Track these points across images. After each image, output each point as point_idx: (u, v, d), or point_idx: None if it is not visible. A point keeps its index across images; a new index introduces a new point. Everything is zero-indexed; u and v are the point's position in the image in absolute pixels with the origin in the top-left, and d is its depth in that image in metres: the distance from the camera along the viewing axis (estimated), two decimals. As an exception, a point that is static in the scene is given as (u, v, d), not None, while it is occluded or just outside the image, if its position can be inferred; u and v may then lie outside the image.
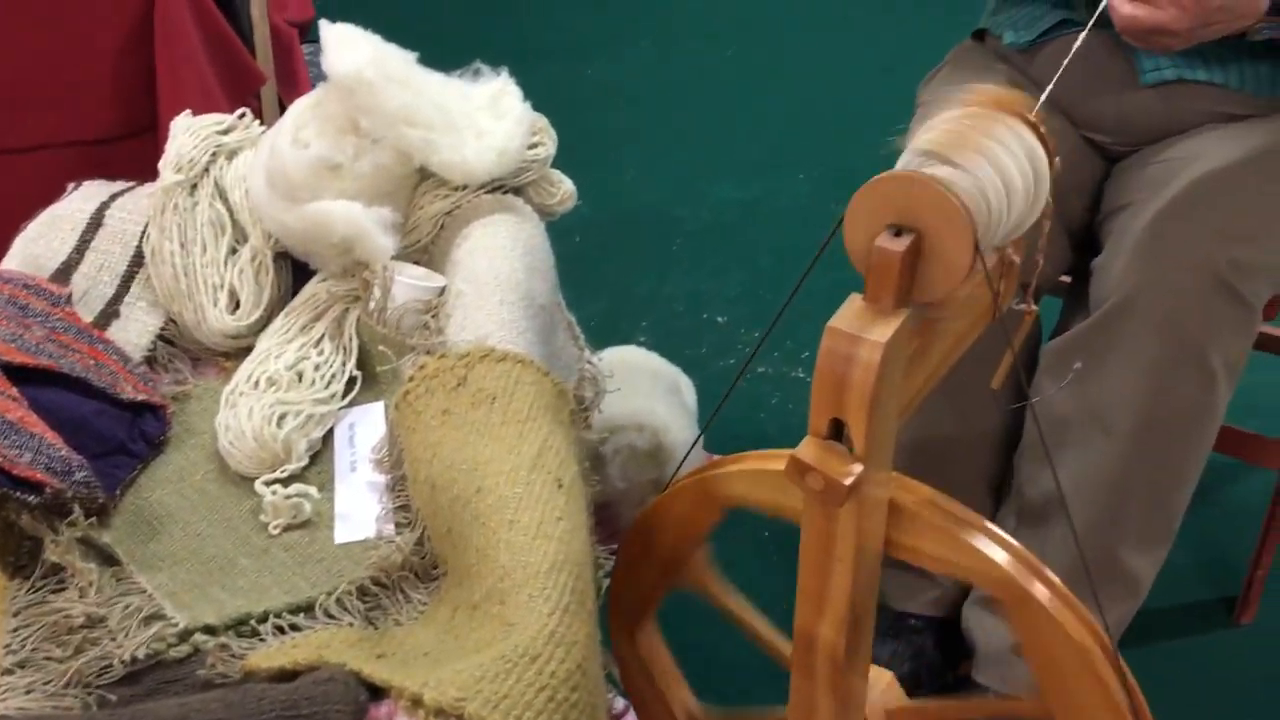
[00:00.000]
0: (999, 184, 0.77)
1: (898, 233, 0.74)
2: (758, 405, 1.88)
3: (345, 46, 1.22)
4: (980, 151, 0.78)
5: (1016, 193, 0.78)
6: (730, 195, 2.51)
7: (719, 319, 2.10)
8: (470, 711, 0.72)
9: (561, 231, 2.32)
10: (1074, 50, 1.04)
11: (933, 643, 1.35)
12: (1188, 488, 1.18)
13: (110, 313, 1.27)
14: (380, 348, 1.17)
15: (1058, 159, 0.87)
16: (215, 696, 0.77)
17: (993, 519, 1.33)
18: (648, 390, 1.56)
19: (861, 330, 0.73)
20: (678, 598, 1.09)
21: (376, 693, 0.77)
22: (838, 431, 0.76)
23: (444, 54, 1.38)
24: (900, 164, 0.80)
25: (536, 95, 1.36)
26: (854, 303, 0.76)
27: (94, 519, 1.03)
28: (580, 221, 2.38)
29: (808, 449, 0.76)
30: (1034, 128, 0.84)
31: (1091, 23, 1.09)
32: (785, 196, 2.46)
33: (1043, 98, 0.92)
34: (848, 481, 0.75)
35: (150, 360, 1.25)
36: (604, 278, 2.22)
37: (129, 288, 1.29)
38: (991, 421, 1.28)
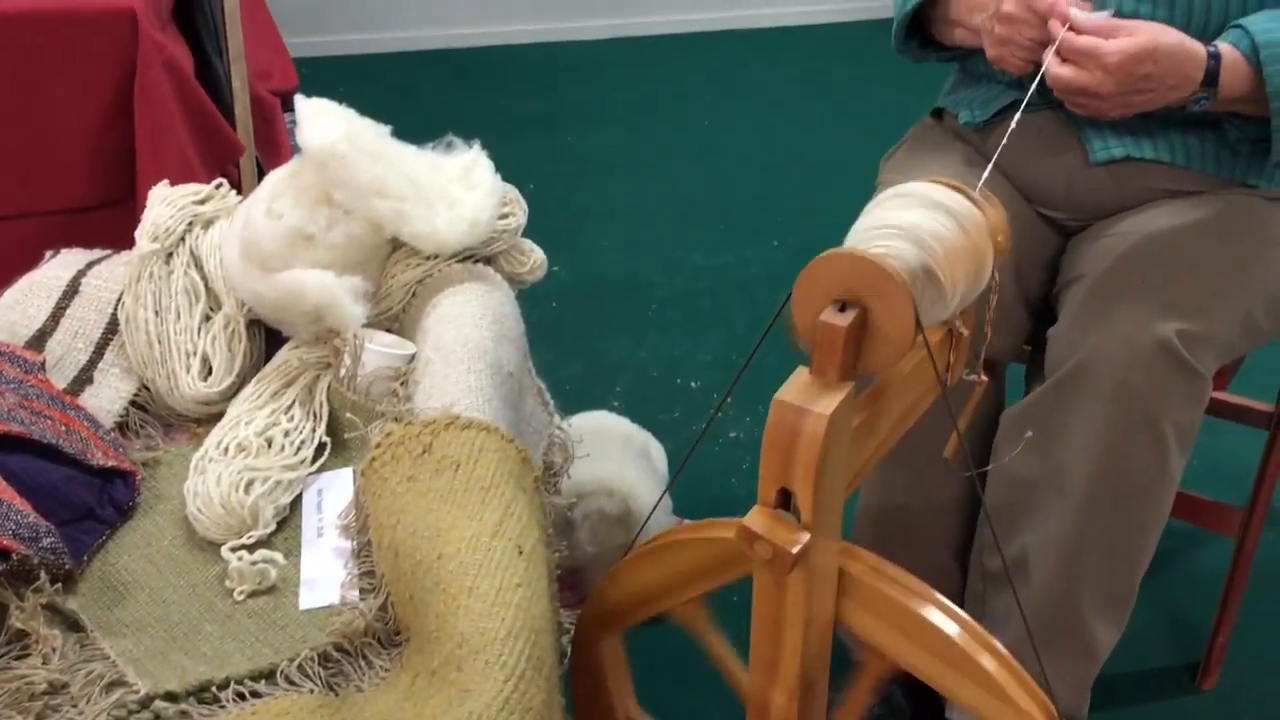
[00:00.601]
0: (942, 261, 0.80)
1: (843, 307, 0.77)
2: (730, 470, 1.90)
3: (320, 120, 1.25)
4: (925, 230, 0.81)
5: (958, 270, 0.81)
6: (704, 263, 2.55)
7: (692, 384, 2.12)
8: (424, 778, 0.73)
9: (538, 298, 2.35)
10: (1015, 120, 1.08)
11: (901, 691, 1.36)
12: (1146, 552, 1.21)
13: (84, 379, 1.29)
14: (348, 415, 1.19)
15: (1003, 237, 0.90)
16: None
17: (959, 584, 1.35)
18: (618, 455, 1.58)
19: (807, 402, 0.76)
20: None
21: (333, 760, 0.78)
22: (786, 500, 0.78)
23: (425, 123, 1.41)
24: (848, 240, 0.83)
25: (516, 164, 1.39)
26: (801, 375, 0.78)
27: (60, 585, 1.03)
28: (557, 287, 2.42)
29: (756, 518, 0.78)
30: (980, 208, 0.87)
31: (1029, 95, 1.13)
32: (758, 264, 2.50)
33: (985, 173, 0.95)
34: (795, 549, 0.76)
35: (122, 426, 1.27)
36: (579, 343, 2.25)
37: (103, 354, 1.31)
38: (954, 489, 1.30)
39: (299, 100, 1.28)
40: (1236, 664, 1.55)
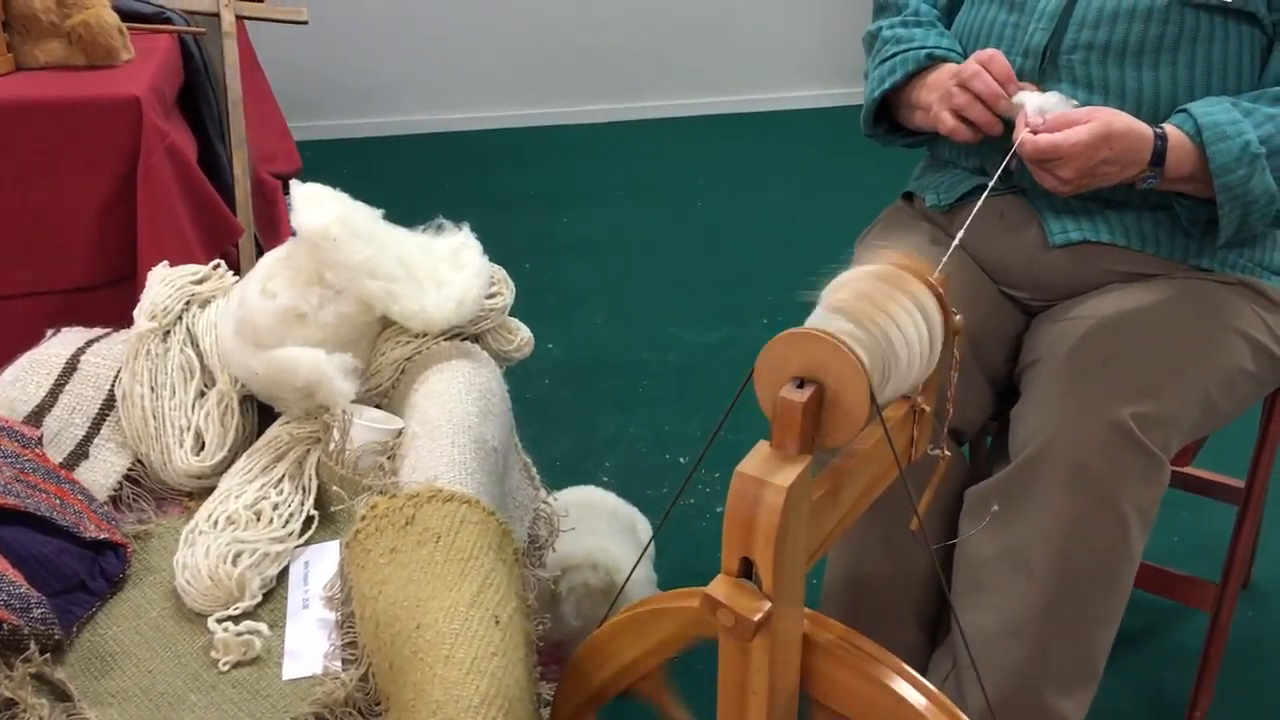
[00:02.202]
0: (897, 340, 0.84)
1: (800, 384, 0.81)
2: (716, 545, 1.91)
3: (313, 204, 1.30)
4: (880, 310, 0.85)
5: (913, 348, 0.85)
6: (696, 340, 2.60)
7: (681, 459, 2.15)
8: (394, 842, 0.75)
9: (531, 374, 2.40)
10: (977, 208, 1.13)
11: None
12: (1109, 629, 1.22)
13: (80, 453, 1.32)
14: (335, 488, 1.22)
15: (959, 317, 0.94)
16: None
17: (926, 656, 1.37)
18: (604, 530, 1.60)
19: (767, 475, 0.79)
20: None
21: (306, 823, 0.80)
22: (748, 570, 0.81)
23: (425, 203, 1.46)
24: (810, 320, 0.87)
25: (512, 243, 1.44)
26: (761, 449, 0.82)
27: (49, 655, 1.06)
28: (550, 364, 2.47)
29: (719, 586, 0.81)
30: (934, 290, 0.91)
31: (994, 180, 1.18)
32: (748, 342, 2.54)
33: (946, 256, 1.00)
34: (756, 617, 0.79)
35: (116, 500, 1.30)
36: (570, 419, 2.28)
37: (99, 429, 1.35)
38: (922, 562, 1.32)
39: (294, 185, 1.33)
40: (1216, 736, 1.56)
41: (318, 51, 3.68)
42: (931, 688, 0.88)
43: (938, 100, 1.32)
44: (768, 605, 0.80)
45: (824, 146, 3.85)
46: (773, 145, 3.86)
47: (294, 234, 1.34)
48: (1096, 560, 1.18)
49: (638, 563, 1.22)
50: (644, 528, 1.73)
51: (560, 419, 2.27)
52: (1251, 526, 1.45)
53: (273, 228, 2.14)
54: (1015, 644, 1.21)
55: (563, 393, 2.37)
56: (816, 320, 0.85)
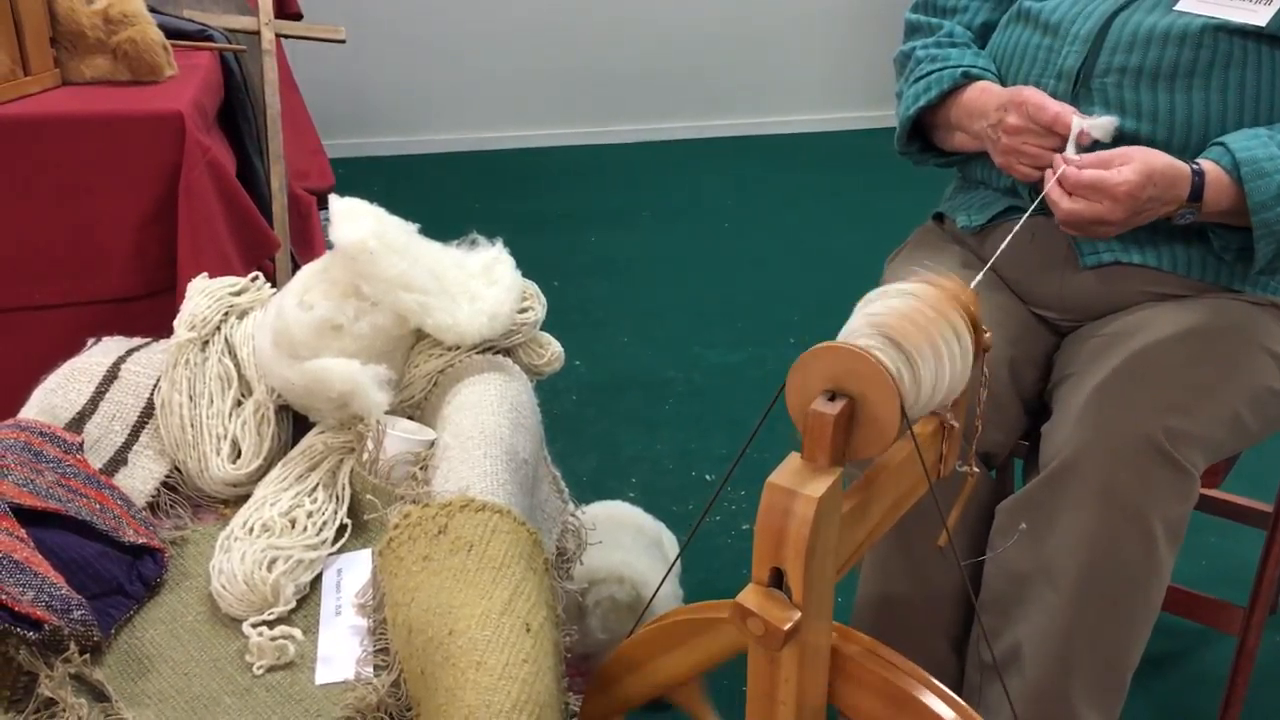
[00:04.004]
0: (927, 355, 0.85)
1: (832, 397, 0.82)
2: (742, 561, 1.93)
3: (351, 218, 1.33)
4: (912, 325, 0.86)
5: (943, 365, 0.86)
6: (721, 360, 2.61)
7: (706, 476, 2.16)
8: (428, 841, 0.77)
9: (558, 391, 2.41)
10: (1013, 233, 1.15)
11: None
12: (1137, 645, 1.23)
13: (119, 460, 1.35)
14: (369, 497, 1.24)
15: (989, 334, 0.95)
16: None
17: (957, 674, 1.37)
18: (630, 544, 1.62)
19: (798, 486, 0.80)
20: None
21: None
22: (779, 580, 0.82)
23: (455, 221, 1.49)
24: (842, 335, 0.89)
25: (540, 262, 1.47)
26: (793, 461, 0.83)
27: (88, 656, 1.08)
28: (576, 381, 2.48)
29: (749, 595, 0.82)
30: (964, 307, 0.92)
31: (1031, 210, 1.20)
32: (773, 361, 2.56)
33: (979, 275, 1.01)
34: (786, 626, 0.80)
35: (153, 506, 1.32)
36: (597, 436, 2.30)
37: (138, 437, 1.37)
38: (953, 579, 1.33)
39: (333, 199, 1.36)
40: (1244, 764, 1.55)
41: (350, 70, 3.73)
42: (960, 700, 0.89)
43: (999, 156, 1.33)
44: (797, 615, 0.81)
45: (849, 169, 3.87)
46: (798, 168, 3.88)
47: (329, 248, 1.36)
48: (1125, 574, 1.18)
49: (665, 577, 1.24)
50: (670, 543, 1.74)
51: (586, 435, 2.29)
52: (1280, 551, 1.45)
53: (307, 242, 2.17)
54: (1043, 657, 1.21)
55: (589, 410, 2.39)
56: (848, 334, 0.86)
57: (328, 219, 1.44)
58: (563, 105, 4.01)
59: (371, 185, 3.35)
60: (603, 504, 1.75)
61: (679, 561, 1.74)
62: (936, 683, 0.90)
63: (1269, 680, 1.68)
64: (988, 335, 0.94)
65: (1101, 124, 1.27)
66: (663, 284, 3.02)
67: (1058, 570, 1.19)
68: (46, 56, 1.53)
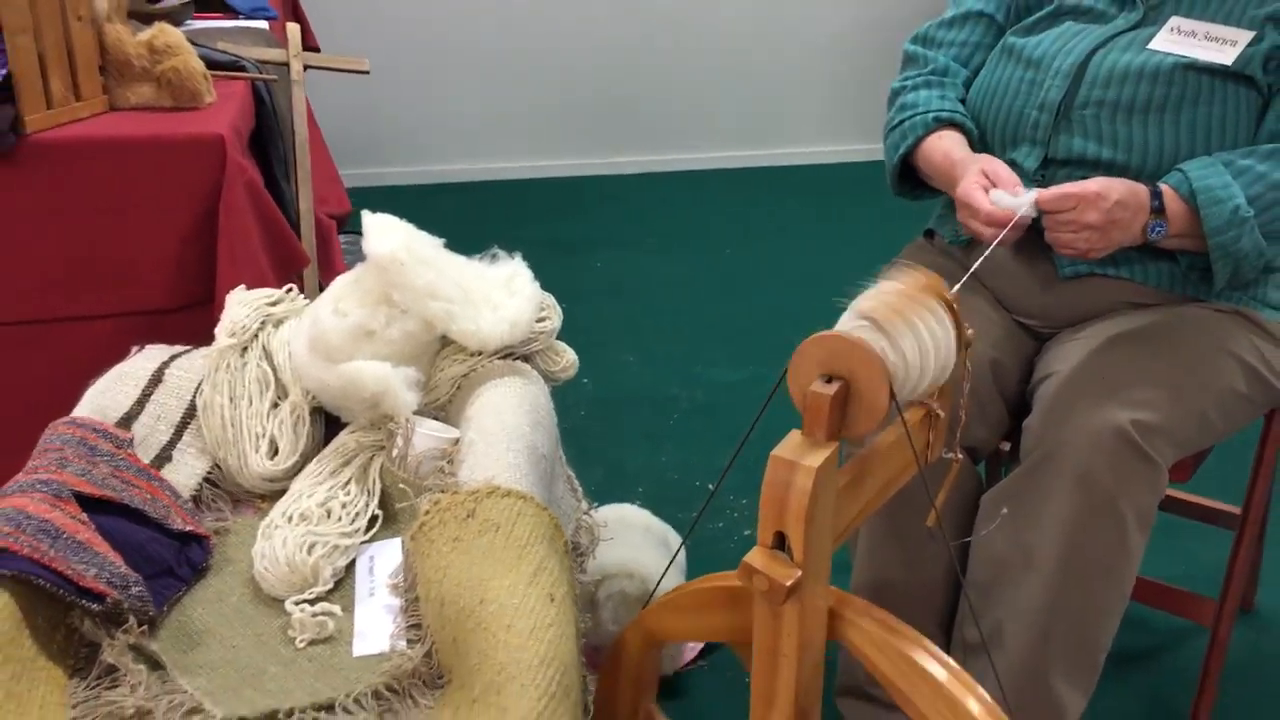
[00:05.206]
0: (914, 343, 0.95)
1: (829, 380, 0.92)
2: (743, 566, 2.01)
3: (383, 231, 1.43)
4: (900, 317, 0.96)
5: (928, 352, 0.96)
6: (722, 378, 2.72)
7: (710, 485, 2.26)
8: (468, 775, 0.86)
9: (566, 406, 2.51)
10: (990, 248, 1.25)
11: None
12: (1110, 624, 1.32)
13: (164, 457, 1.44)
14: (400, 486, 1.33)
15: (970, 331, 1.05)
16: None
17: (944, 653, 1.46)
18: (639, 542, 1.71)
19: (798, 458, 0.90)
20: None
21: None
22: (781, 543, 0.92)
23: (465, 248, 1.58)
24: (838, 325, 0.99)
25: (548, 284, 1.56)
26: (794, 437, 0.93)
27: (145, 628, 1.17)
28: (584, 398, 2.58)
29: (755, 556, 0.92)
30: (948, 304, 1.02)
31: (996, 241, 1.30)
32: (773, 379, 2.65)
33: (962, 281, 1.11)
34: (788, 583, 0.90)
35: (196, 499, 1.41)
36: (603, 448, 2.39)
37: (181, 436, 1.47)
38: (940, 566, 1.42)
39: (365, 215, 1.46)
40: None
41: (361, 102, 3.85)
42: (949, 660, 0.99)
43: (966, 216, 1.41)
44: (798, 573, 0.91)
45: (843, 199, 3.99)
46: (795, 197, 4.00)
47: (349, 268, 1.46)
48: (1097, 557, 1.28)
49: (669, 566, 1.33)
50: (675, 541, 1.83)
51: (594, 448, 2.38)
52: (1249, 545, 1.55)
53: (328, 263, 2.27)
54: (1023, 633, 1.30)
55: (596, 425, 2.48)
56: (844, 324, 0.97)
57: (348, 243, 1.54)
58: (566, 138, 4.13)
59: (384, 213, 3.45)
60: (611, 506, 1.85)
61: (684, 557, 1.82)
62: (929, 644, 0.99)
63: (1243, 676, 1.77)
64: (970, 331, 1.04)
65: (1027, 200, 1.35)
66: (666, 307, 3.13)
67: (1037, 554, 1.29)
68: (96, 84, 1.64)
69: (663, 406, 2.59)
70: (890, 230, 3.59)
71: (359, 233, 2.63)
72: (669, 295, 3.20)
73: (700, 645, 1.80)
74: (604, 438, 2.43)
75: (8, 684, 1.04)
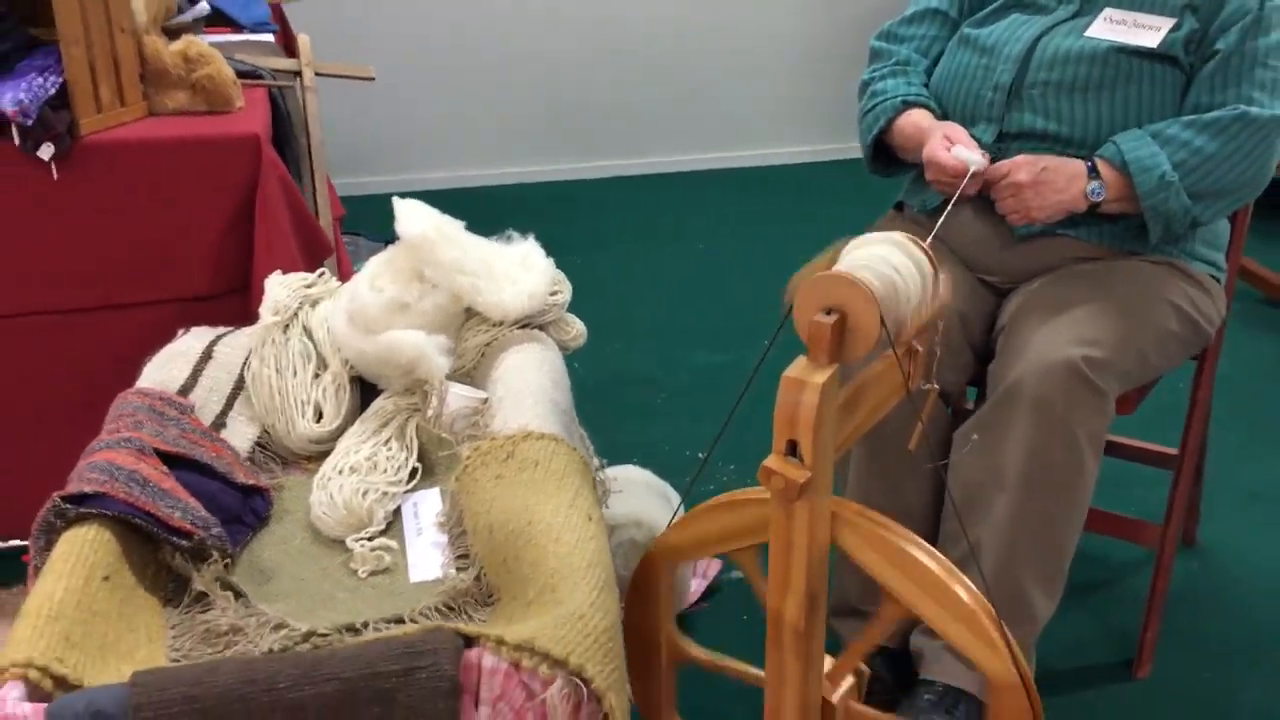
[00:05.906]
0: (898, 280, 1.13)
1: (828, 312, 1.10)
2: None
3: (413, 214, 1.59)
4: (885, 261, 1.14)
5: (910, 287, 1.14)
6: (705, 360, 2.89)
7: (700, 455, 2.43)
8: (539, 645, 1.02)
9: (559, 389, 2.64)
10: (949, 208, 1.44)
11: (885, 666, 1.64)
12: (1072, 535, 1.50)
13: (219, 424, 1.59)
14: (442, 435, 1.49)
15: (944, 275, 1.23)
16: (353, 645, 1.06)
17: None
18: (643, 495, 1.88)
19: (806, 377, 1.07)
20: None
21: (469, 642, 1.06)
22: (793, 450, 1.09)
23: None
24: (835, 267, 1.17)
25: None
26: (801, 361, 1.10)
27: (227, 563, 1.32)
28: (575, 381, 2.72)
29: (773, 460, 1.09)
30: (923, 250, 1.20)
31: (956, 195, 1.50)
32: (753, 360, 2.83)
33: (934, 233, 1.29)
34: (801, 481, 1.07)
35: (249, 461, 1.56)
36: (598, 426, 2.51)
37: (232, 406, 1.61)
38: (923, 495, 1.60)
39: (395, 200, 1.62)
40: (1164, 657, 1.83)
41: (343, 113, 3.99)
42: (938, 553, 1.16)
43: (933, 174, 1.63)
44: (808, 474, 1.08)
45: (809, 196, 4.18)
46: (764, 196, 4.19)
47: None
48: (1058, 476, 1.46)
49: (675, 515, 1.49)
50: (674, 496, 2.00)
51: (588, 425, 2.52)
52: (1188, 476, 1.74)
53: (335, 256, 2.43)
54: (995, 541, 1.48)
55: (588, 404, 2.62)
56: (839, 267, 1.14)
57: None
58: (541, 144, 4.29)
59: (364, 221, 3.61)
60: (614, 468, 2.01)
61: (683, 507, 1.99)
62: (918, 538, 1.17)
63: (1186, 601, 1.97)
64: (944, 276, 1.22)
65: (977, 159, 1.57)
66: (646, 299, 3.29)
67: (1005, 476, 1.47)
68: (137, 91, 1.79)
69: (651, 387, 2.75)
70: (857, 226, 3.79)
71: (357, 233, 2.84)
72: (648, 289, 3.37)
73: (704, 588, 1.97)
74: (597, 416, 2.57)
75: (119, 606, 1.19)
